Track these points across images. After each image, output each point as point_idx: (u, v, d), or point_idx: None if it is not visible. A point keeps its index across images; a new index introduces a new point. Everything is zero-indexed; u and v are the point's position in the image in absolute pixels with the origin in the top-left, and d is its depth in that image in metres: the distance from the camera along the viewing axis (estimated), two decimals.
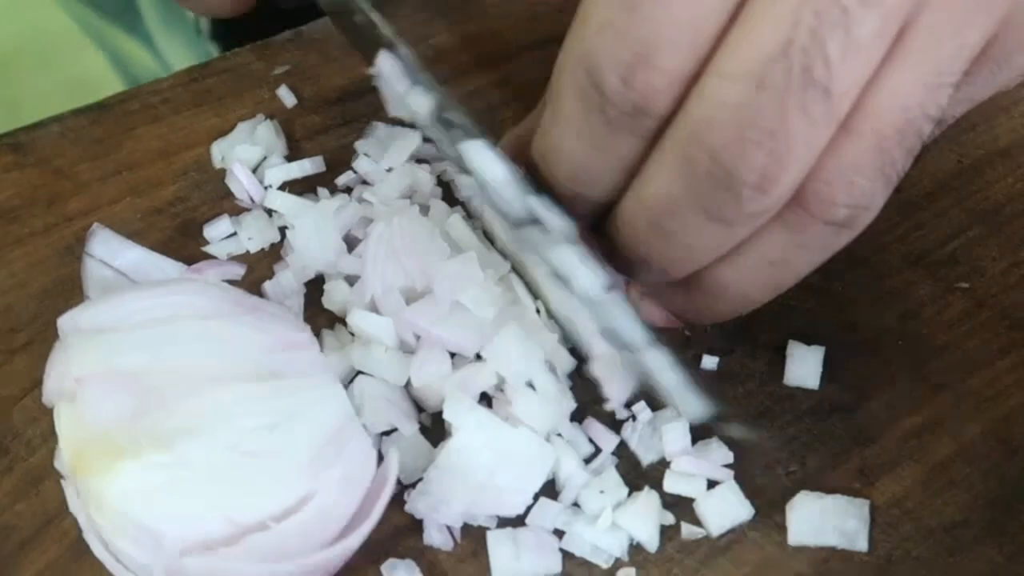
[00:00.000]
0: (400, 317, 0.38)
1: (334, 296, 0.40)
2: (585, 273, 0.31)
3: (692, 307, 0.35)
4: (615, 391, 0.37)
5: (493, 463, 0.35)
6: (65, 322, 0.35)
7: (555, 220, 0.31)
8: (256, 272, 0.42)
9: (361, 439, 0.34)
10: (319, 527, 0.32)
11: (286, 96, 0.48)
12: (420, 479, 0.36)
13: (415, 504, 0.35)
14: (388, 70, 0.35)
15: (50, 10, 1.31)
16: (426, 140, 0.45)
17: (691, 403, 0.32)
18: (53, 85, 1.24)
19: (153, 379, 0.32)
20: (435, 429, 0.38)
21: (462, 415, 0.36)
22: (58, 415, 0.33)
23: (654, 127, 0.30)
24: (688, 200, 0.30)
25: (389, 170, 0.44)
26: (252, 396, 0.33)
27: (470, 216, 0.41)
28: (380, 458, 0.35)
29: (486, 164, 0.31)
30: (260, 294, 0.41)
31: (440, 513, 0.35)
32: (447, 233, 0.40)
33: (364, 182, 0.44)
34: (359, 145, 0.45)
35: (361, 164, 0.45)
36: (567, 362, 0.39)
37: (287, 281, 0.41)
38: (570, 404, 0.37)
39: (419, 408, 0.38)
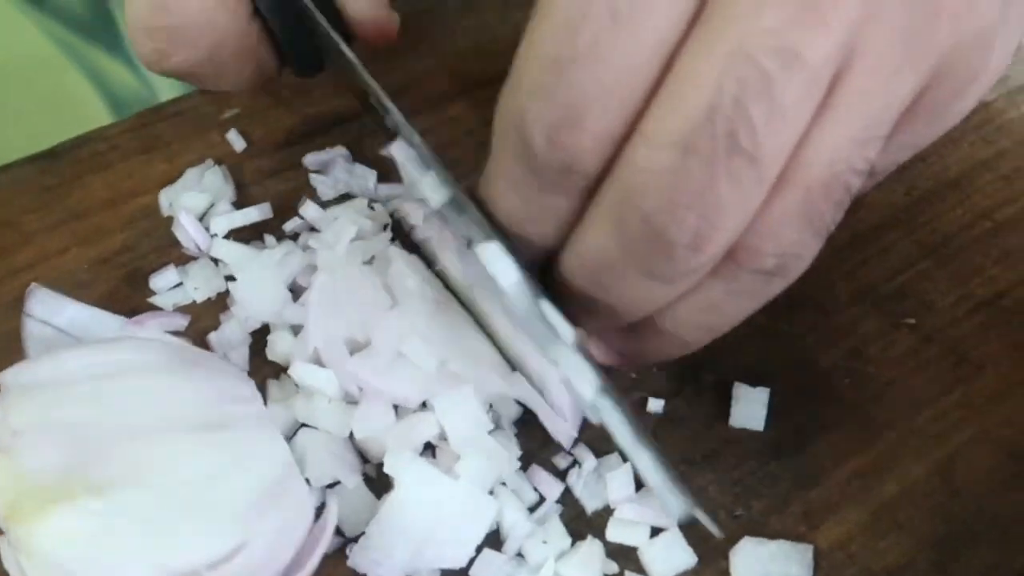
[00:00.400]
0: (343, 369, 0.38)
1: (277, 348, 0.40)
2: (583, 380, 0.32)
3: (631, 349, 0.36)
4: (563, 429, 0.37)
5: (434, 517, 0.35)
6: (7, 378, 0.35)
7: (562, 327, 0.32)
8: (202, 321, 0.42)
9: (299, 490, 0.34)
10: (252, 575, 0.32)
11: (235, 140, 0.47)
12: (363, 533, 0.36)
13: (356, 559, 0.35)
14: (402, 157, 0.35)
15: (27, 30, 1.30)
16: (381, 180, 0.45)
17: (673, 504, 0.33)
18: (33, 107, 1.24)
19: (91, 431, 0.33)
20: (380, 480, 0.38)
21: (403, 468, 0.36)
22: None
23: (584, 185, 0.30)
24: (623, 258, 0.30)
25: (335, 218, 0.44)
26: (191, 447, 0.33)
27: (420, 256, 0.41)
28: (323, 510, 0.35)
29: (500, 268, 0.32)
30: (205, 344, 0.41)
31: (382, 568, 0.35)
32: (389, 285, 0.40)
33: (312, 228, 0.44)
34: (314, 179, 0.45)
35: (308, 211, 0.44)
36: (513, 411, 0.39)
37: (232, 332, 0.41)
38: (515, 455, 0.37)
39: (364, 459, 0.38)
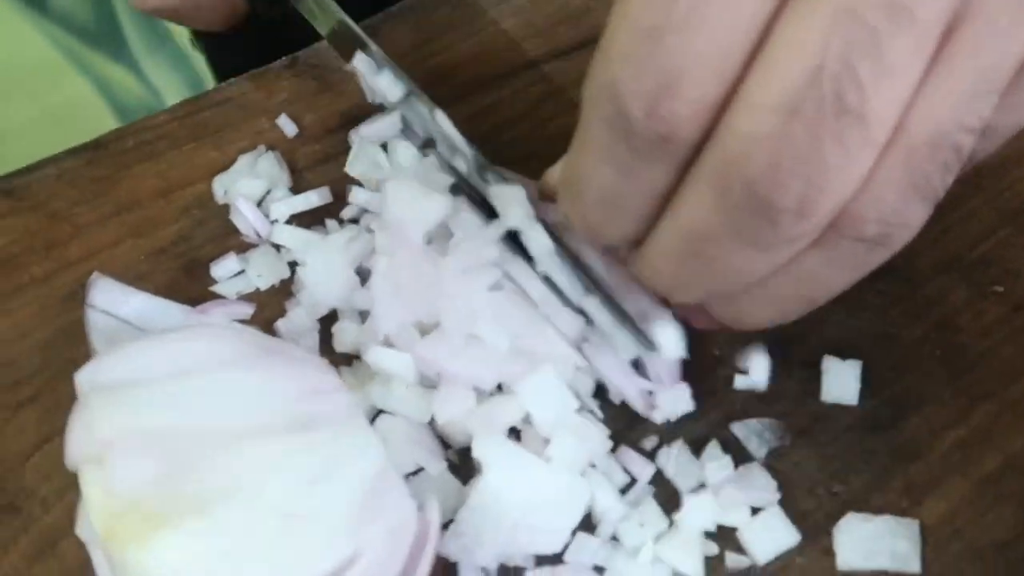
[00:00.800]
0: (415, 353, 0.37)
1: (344, 339, 0.39)
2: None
3: (725, 316, 0.35)
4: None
5: (526, 502, 0.34)
6: (83, 379, 0.33)
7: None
8: (266, 311, 0.41)
9: (399, 489, 0.32)
10: None
11: (286, 125, 0.46)
12: (451, 520, 0.34)
13: (448, 546, 0.34)
14: (363, 65, 0.42)
15: (31, 38, 1.29)
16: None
17: (623, 342, 0.35)
18: (38, 114, 1.22)
19: (181, 438, 0.31)
20: (463, 466, 0.36)
21: (492, 452, 0.34)
22: (84, 480, 0.31)
23: (682, 155, 0.29)
24: (725, 228, 0.29)
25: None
26: (286, 451, 0.31)
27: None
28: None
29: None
30: (272, 334, 0.40)
31: (474, 555, 0.34)
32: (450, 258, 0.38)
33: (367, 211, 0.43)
34: (349, 168, 0.44)
35: (357, 196, 0.43)
36: (589, 385, 0.37)
37: (300, 319, 0.40)
38: (604, 438, 0.36)
39: (445, 444, 0.37)
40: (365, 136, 0.44)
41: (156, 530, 0.29)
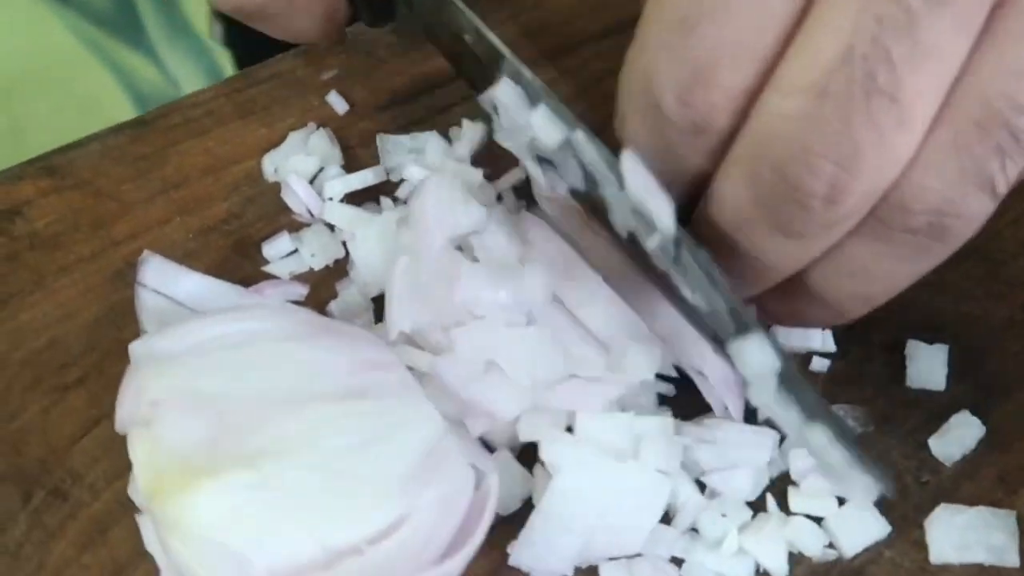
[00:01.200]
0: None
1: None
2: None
3: (787, 315, 0.33)
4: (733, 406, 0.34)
5: (604, 503, 0.32)
6: (138, 348, 0.32)
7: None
8: (320, 291, 0.39)
9: (457, 460, 0.31)
10: (415, 551, 0.30)
11: (337, 102, 0.44)
12: (515, 512, 0.33)
13: (519, 557, 0.32)
14: (508, 97, 0.31)
15: (52, 29, 1.28)
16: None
17: (863, 484, 0.29)
18: (59, 104, 1.21)
19: (231, 402, 0.30)
20: (528, 452, 0.35)
21: (563, 454, 0.32)
22: (132, 442, 0.31)
23: (716, 144, 0.29)
24: (757, 215, 0.29)
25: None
26: (339, 416, 0.30)
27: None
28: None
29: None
30: (325, 315, 0.38)
31: (548, 563, 0.32)
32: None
33: None
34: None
35: (412, 172, 0.41)
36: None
37: (352, 298, 0.38)
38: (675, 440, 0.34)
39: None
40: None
41: (202, 479, 0.28)
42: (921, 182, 0.27)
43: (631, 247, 0.31)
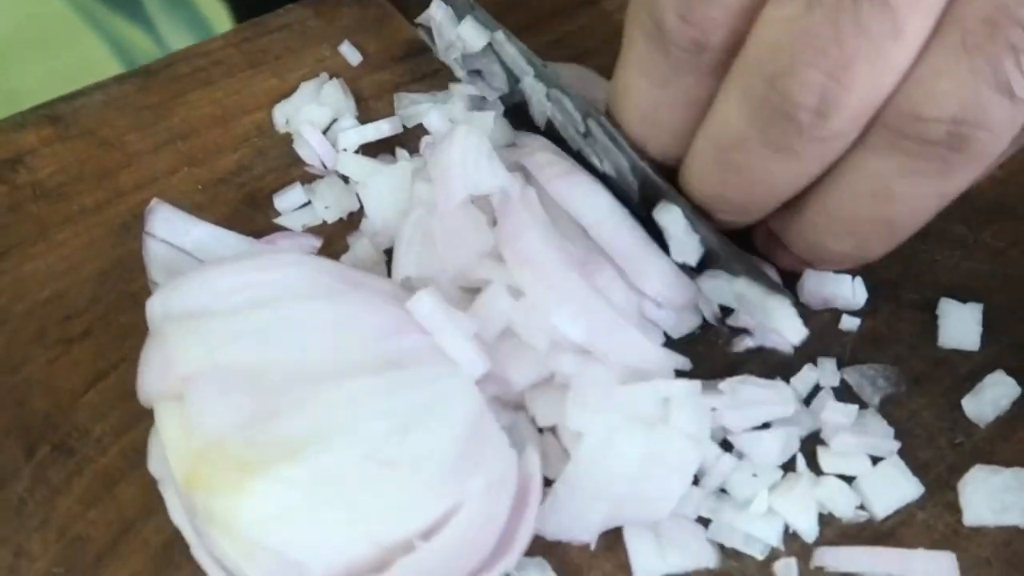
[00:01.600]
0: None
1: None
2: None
3: (802, 248, 0.33)
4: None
5: (634, 471, 0.31)
6: (155, 307, 0.30)
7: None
8: (334, 244, 0.38)
9: (499, 438, 0.30)
10: (470, 544, 0.28)
11: (350, 53, 0.43)
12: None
13: (543, 525, 0.31)
14: (440, 15, 0.36)
15: None
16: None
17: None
18: (51, 74, 1.19)
19: (265, 376, 0.28)
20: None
21: (592, 420, 0.31)
22: (161, 417, 0.29)
23: (716, 63, 0.29)
24: (751, 131, 0.28)
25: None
26: (377, 392, 0.29)
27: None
28: None
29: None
30: None
31: (574, 532, 0.31)
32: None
33: None
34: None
35: (432, 121, 0.40)
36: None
37: (364, 250, 0.37)
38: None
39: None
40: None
41: (249, 477, 0.26)
42: (932, 87, 0.26)
43: (551, 135, 0.33)
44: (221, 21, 1.14)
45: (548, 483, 0.31)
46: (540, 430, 0.32)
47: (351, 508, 0.27)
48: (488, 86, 0.36)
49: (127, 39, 1.33)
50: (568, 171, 0.34)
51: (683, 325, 0.34)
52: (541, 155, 0.35)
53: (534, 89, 0.32)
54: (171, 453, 0.28)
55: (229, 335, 0.29)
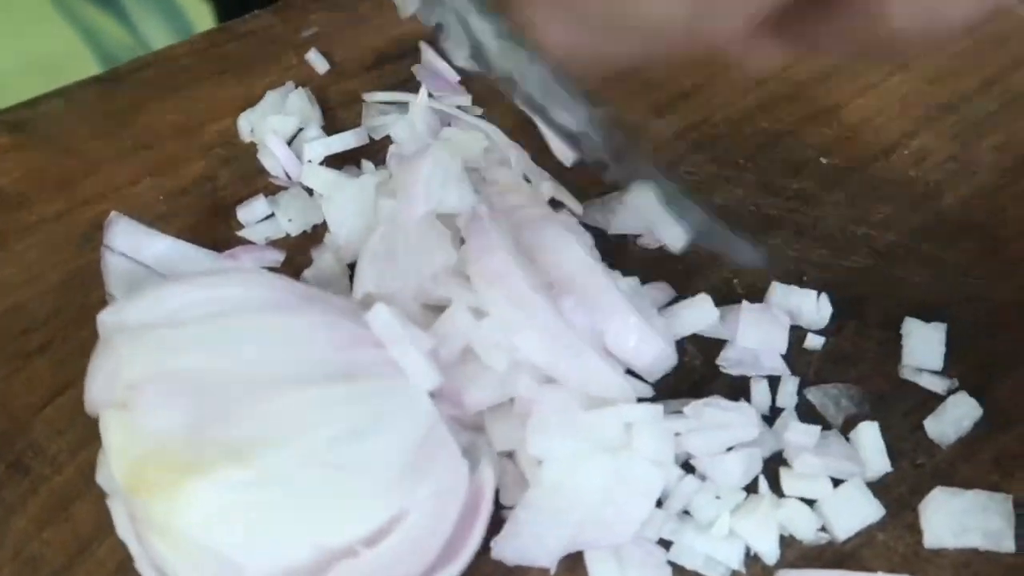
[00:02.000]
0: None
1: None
2: None
3: (841, 35, 0.27)
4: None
5: (596, 495, 0.30)
6: (107, 319, 0.30)
7: None
8: (296, 259, 0.37)
9: (450, 448, 0.30)
10: (413, 553, 0.28)
11: (317, 61, 0.43)
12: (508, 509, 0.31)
13: (503, 550, 0.30)
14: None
15: None
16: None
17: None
18: (23, 63, 1.18)
19: (214, 382, 0.28)
20: None
21: (553, 445, 0.31)
22: (105, 425, 0.29)
23: None
24: None
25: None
26: (327, 400, 0.28)
27: None
28: None
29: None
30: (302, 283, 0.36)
31: (534, 557, 0.30)
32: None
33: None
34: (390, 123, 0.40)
35: (398, 132, 0.40)
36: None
37: (327, 264, 0.37)
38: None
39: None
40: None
41: (188, 477, 0.26)
42: None
43: (511, 88, 0.29)
44: (196, 9, 1.12)
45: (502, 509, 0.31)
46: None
47: (295, 511, 0.27)
48: (457, 49, 0.33)
49: (100, 28, 1.31)
50: (542, 216, 0.34)
51: (657, 369, 0.34)
52: (513, 196, 0.34)
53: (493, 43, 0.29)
54: (114, 461, 0.28)
55: (179, 344, 0.29)
